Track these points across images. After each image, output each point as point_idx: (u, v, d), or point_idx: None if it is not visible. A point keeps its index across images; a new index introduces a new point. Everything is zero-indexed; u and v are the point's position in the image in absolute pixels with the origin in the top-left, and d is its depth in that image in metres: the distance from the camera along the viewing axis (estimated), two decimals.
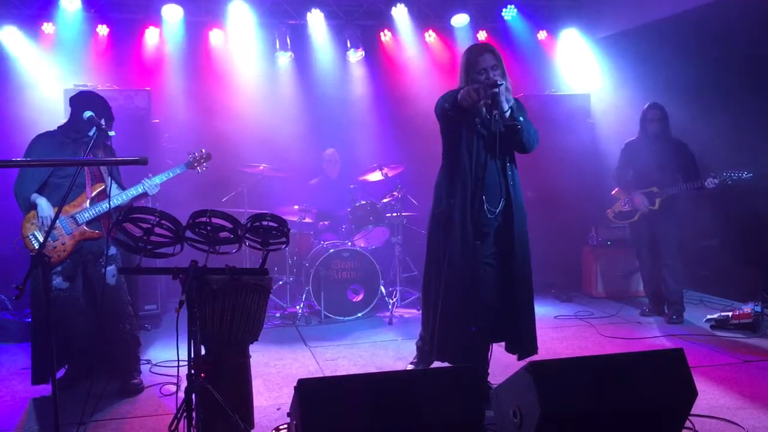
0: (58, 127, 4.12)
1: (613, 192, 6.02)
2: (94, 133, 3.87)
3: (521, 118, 3.49)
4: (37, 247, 3.88)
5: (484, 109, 3.56)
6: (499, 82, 3.37)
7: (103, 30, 6.90)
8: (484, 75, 3.50)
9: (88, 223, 3.99)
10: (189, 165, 4.34)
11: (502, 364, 4.21)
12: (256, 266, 3.19)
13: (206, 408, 2.89)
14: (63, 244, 3.92)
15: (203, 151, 4.42)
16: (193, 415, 2.77)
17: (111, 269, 4.05)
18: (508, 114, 3.46)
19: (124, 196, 4.09)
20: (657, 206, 5.61)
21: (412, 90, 7.63)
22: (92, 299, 4.13)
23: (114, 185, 4.20)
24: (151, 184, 4.13)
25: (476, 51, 3.59)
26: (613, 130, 6.93)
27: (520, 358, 3.70)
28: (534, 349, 3.73)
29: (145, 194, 4.16)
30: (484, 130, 3.59)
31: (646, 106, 5.67)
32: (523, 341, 3.70)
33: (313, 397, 2.61)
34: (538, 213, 7.18)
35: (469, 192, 3.58)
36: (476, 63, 3.54)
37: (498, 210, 3.58)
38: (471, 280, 3.55)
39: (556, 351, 4.83)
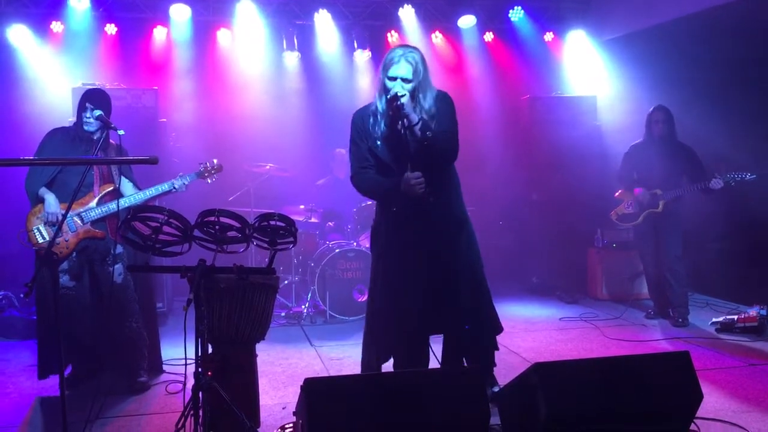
0: (74, 123, 4.13)
1: (617, 194, 6.01)
2: (104, 132, 3.88)
3: (428, 134, 3.27)
4: (40, 241, 3.90)
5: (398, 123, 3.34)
6: (400, 94, 3.24)
7: (111, 29, 6.93)
8: (392, 84, 3.32)
9: (93, 222, 4.00)
10: (199, 175, 4.28)
11: (507, 365, 4.23)
12: (261, 265, 3.20)
13: (213, 406, 2.91)
14: (66, 241, 3.93)
15: (215, 162, 4.35)
16: (200, 413, 2.79)
17: (118, 267, 4.05)
18: (418, 127, 3.27)
19: (142, 195, 4.07)
20: (660, 209, 5.60)
21: None
22: (99, 297, 4.13)
23: (130, 185, 4.21)
24: (182, 183, 4.15)
25: (391, 54, 3.38)
26: (619, 133, 6.91)
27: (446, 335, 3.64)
28: (490, 331, 3.68)
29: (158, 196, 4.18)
30: (394, 145, 3.44)
31: (651, 108, 5.67)
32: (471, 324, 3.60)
33: (320, 397, 2.62)
34: (543, 215, 7.23)
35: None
36: (388, 68, 3.35)
37: (418, 214, 3.43)
38: (400, 280, 3.56)
39: (561, 353, 4.83)
